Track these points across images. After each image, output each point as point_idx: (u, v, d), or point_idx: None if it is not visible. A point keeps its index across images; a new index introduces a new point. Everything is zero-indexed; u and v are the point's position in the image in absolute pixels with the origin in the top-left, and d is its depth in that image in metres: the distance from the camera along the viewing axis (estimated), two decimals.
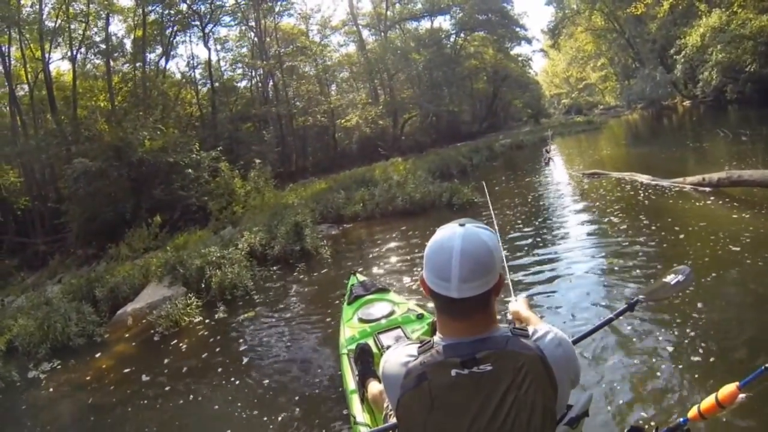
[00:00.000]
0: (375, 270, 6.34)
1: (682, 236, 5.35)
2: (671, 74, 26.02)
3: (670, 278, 1.96)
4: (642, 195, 7.56)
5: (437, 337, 1.14)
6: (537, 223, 7.36)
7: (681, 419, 1.47)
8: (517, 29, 34.39)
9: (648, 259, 4.95)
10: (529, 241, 6.44)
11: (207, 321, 5.58)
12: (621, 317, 1.94)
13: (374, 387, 2.29)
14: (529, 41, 35.53)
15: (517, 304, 1.70)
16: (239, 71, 29.12)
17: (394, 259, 6.77)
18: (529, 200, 8.94)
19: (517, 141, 23.10)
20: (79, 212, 12.17)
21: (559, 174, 12.07)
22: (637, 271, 4.63)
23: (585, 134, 24.36)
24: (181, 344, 5.09)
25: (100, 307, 6.70)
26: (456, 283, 1.05)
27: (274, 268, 7.05)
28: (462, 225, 1.10)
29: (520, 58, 37.05)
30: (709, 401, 1.44)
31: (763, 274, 4.07)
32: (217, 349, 4.79)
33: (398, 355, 1.15)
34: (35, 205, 17.08)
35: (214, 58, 27.38)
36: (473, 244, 1.06)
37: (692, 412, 1.47)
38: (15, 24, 15.86)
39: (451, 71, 32.35)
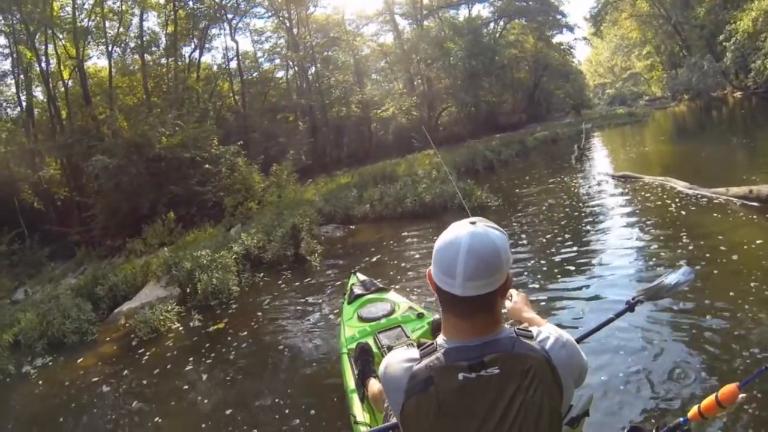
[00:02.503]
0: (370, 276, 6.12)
1: (704, 252, 4.78)
2: (720, 63, 24.02)
3: (670, 278, 1.96)
4: (675, 205, 6.64)
5: (441, 339, 1.11)
6: (550, 229, 6.87)
7: (681, 419, 1.49)
8: (558, 16, 32.91)
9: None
10: (537, 245, 6.17)
11: (187, 327, 5.57)
12: (621, 317, 1.95)
13: (374, 386, 2.30)
14: (570, 29, 33.93)
15: (516, 302, 1.62)
16: (277, 62, 29.48)
17: (392, 267, 6.49)
18: (545, 207, 8.25)
19: (552, 134, 22.02)
20: (102, 206, 12.63)
21: (587, 175, 11.26)
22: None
23: (626, 127, 23.00)
24: (156, 351, 5.08)
25: (101, 305, 6.90)
26: (460, 281, 1.03)
27: (261, 274, 6.97)
28: (473, 223, 1.09)
29: (562, 47, 35.51)
30: (709, 401, 1.46)
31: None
32: (195, 356, 4.75)
33: (400, 359, 1.13)
34: (73, 196, 17.89)
35: (250, 49, 27.78)
36: (481, 242, 1.04)
37: (692, 411, 1.49)
38: (50, 25, 16.53)
39: (489, 60, 31.44)
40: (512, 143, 19.19)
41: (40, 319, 6.24)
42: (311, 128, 26.69)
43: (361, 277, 4.23)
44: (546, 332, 1.13)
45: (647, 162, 11.96)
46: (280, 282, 6.62)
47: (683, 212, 6.25)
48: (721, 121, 20.12)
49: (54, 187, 18.43)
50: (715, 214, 5.90)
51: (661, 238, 5.55)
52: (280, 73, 29.93)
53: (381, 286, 3.95)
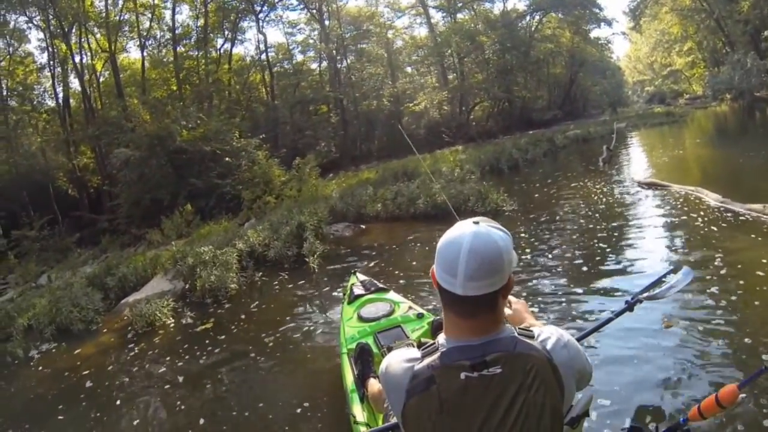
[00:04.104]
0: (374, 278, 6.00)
1: (714, 261, 4.54)
2: (765, 61, 22.46)
3: (670, 278, 1.98)
4: (704, 220, 5.97)
5: (442, 339, 1.12)
6: (560, 234, 6.63)
7: (681, 419, 1.52)
8: (596, 10, 31.70)
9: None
10: (543, 249, 6.01)
11: (179, 324, 5.63)
12: (621, 317, 1.96)
13: (374, 386, 2.32)
14: (608, 23, 32.56)
15: (516, 309, 1.63)
16: (310, 54, 29.71)
17: (396, 269, 6.31)
18: (560, 216, 7.76)
19: (584, 133, 21.12)
20: (126, 196, 12.99)
21: (612, 180, 10.60)
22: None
23: (662, 128, 21.92)
24: (144, 347, 5.14)
25: (110, 295, 7.08)
26: (461, 280, 1.04)
27: (260, 274, 6.95)
28: (476, 223, 1.09)
29: (599, 42, 34.32)
30: (709, 401, 1.47)
31: None
32: (183, 354, 4.76)
33: (401, 358, 1.14)
34: (104, 184, 18.51)
35: (284, 41, 28.04)
36: (483, 242, 1.05)
37: (692, 411, 1.51)
38: (83, 20, 17.10)
39: (524, 55, 30.69)
40: (541, 142, 18.62)
41: (51, 306, 6.45)
42: (341, 121, 26.78)
43: (362, 277, 4.23)
44: (547, 333, 1.14)
45: (680, 167, 11.29)
46: (280, 281, 6.59)
47: (713, 227, 5.65)
48: (764, 124, 18.91)
49: (88, 175, 19.09)
50: (748, 234, 5.26)
51: (678, 251, 5.21)
52: (314, 65, 30.16)
53: (381, 286, 3.94)
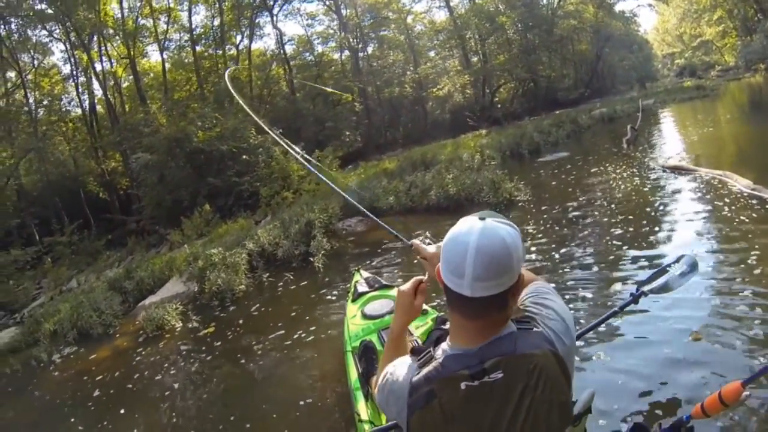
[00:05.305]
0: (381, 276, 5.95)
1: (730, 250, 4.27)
2: None
3: (675, 270, 1.95)
4: (731, 208, 5.49)
5: (445, 345, 1.10)
6: (573, 224, 6.37)
7: (684, 416, 1.51)
8: None
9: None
10: (553, 240, 5.83)
11: (186, 328, 5.74)
12: (625, 310, 1.93)
13: None
14: None
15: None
16: (331, 44, 29.70)
17: (404, 266, 6.25)
18: (575, 204, 7.39)
19: (610, 112, 20.18)
20: (149, 198, 13.32)
21: (635, 164, 9.92)
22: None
23: (693, 103, 20.78)
24: (150, 351, 5.27)
25: (128, 298, 7.30)
26: (469, 281, 1.00)
27: (266, 274, 6.97)
28: (482, 219, 1.04)
29: (624, 15, 32.90)
30: (712, 398, 1.46)
31: None
32: (195, 356, 4.89)
33: (397, 372, 1.13)
34: (132, 187, 19.06)
35: (302, 32, 28.05)
36: (491, 240, 1.00)
37: (695, 408, 1.51)
38: (100, 30, 17.51)
39: (546, 33, 29.74)
40: (564, 123, 18.01)
41: (73, 311, 6.70)
42: (365, 109, 26.73)
43: (365, 274, 4.22)
44: (545, 315, 1.10)
45: (709, 147, 10.54)
46: (285, 281, 6.60)
47: (742, 217, 5.15)
48: None
49: (117, 177, 19.68)
50: None
51: (701, 244, 4.81)
52: (336, 56, 30.11)
53: (385, 283, 3.93)
